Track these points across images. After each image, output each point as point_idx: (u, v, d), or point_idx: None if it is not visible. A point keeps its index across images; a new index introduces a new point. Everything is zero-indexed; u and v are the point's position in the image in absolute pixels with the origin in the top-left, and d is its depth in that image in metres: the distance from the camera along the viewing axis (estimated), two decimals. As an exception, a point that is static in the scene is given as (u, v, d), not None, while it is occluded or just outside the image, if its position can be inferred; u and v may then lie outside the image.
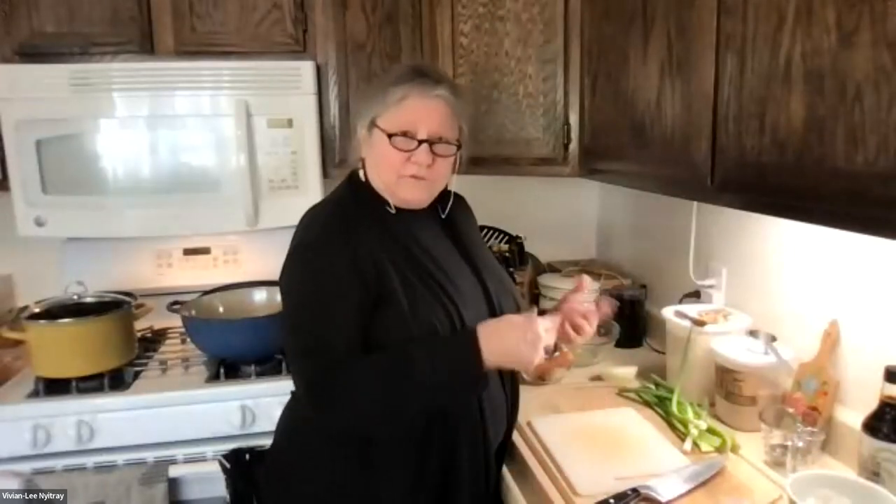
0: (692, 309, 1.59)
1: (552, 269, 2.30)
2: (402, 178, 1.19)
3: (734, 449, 1.27)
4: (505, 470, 1.32)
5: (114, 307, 1.75)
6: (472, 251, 1.33)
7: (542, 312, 1.24)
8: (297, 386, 1.17)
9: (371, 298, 1.12)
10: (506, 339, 1.09)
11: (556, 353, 1.53)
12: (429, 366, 1.07)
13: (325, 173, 1.99)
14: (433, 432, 1.17)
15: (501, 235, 2.31)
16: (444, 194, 1.30)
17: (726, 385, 1.39)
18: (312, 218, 1.22)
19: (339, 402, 1.10)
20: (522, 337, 1.08)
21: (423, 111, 1.17)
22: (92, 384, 1.67)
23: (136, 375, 1.75)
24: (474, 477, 1.22)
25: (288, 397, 1.34)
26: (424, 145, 1.17)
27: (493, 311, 1.25)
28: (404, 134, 1.16)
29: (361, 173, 1.26)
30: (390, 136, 1.17)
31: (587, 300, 1.31)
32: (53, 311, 1.72)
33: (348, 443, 1.17)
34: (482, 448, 1.22)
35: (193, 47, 1.88)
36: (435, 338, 1.12)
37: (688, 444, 1.29)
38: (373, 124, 1.20)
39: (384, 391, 1.09)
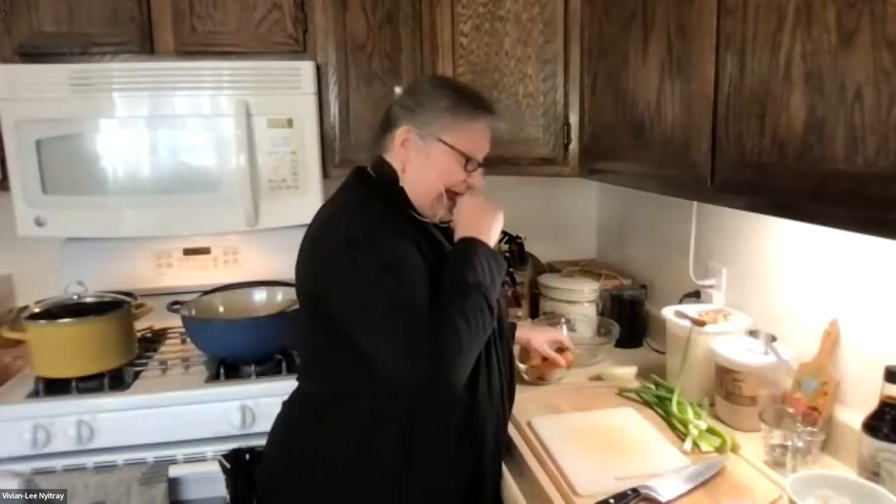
0: (692, 309, 1.59)
1: (552, 269, 2.30)
2: (443, 194, 1.22)
3: (734, 449, 1.27)
4: (505, 470, 1.32)
5: (114, 307, 1.75)
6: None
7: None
8: (414, 355, 1.03)
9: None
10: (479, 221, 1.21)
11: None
12: (480, 268, 1.12)
13: (326, 173, 1.99)
14: (468, 423, 1.19)
15: (501, 235, 2.30)
16: None
17: (726, 385, 1.39)
18: (351, 213, 1.19)
19: (447, 350, 1.03)
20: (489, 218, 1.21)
21: (486, 140, 1.25)
22: (92, 384, 1.67)
23: (136, 375, 1.75)
24: (497, 465, 1.27)
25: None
26: (481, 169, 1.24)
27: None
28: (469, 158, 1.22)
29: (372, 172, 1.26)
30: (467, 158, 1.21)
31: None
32: (53, 311, 1.71)
33: (383, 443, 1.16)
34: (502, 440, 1.28)
35: (193, 47, 1.88)
36: (456, 257, 1.16)
37: (688, 444, 1.29)
38: (434, 136, 1.20)
39: (466, 311, 1.07)
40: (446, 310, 1.06)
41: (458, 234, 1.20)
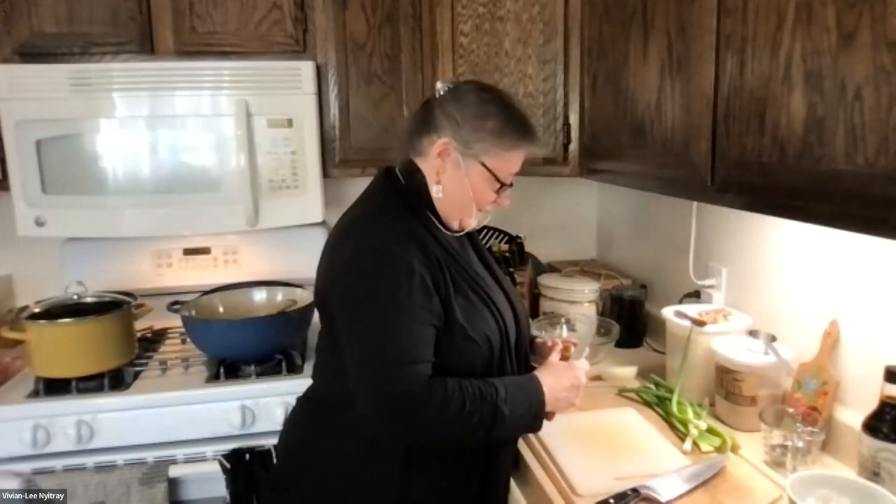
0: (692, 309, 1.59)
1: (552, 269, 2.30)
2: (479, 211, 1.22)
3: (734, 449, 1.27)
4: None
5: (114, 307, 1.75)
6: (488, 258, 1.35)
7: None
8: (371, 393, 1.08)
9: (441, 305, 1.12)
10: (559, 392, 1.19)
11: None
12: (510, 405, 1.11)
13: (325, 173, 1.99)
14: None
15: (501, 235, 2.31)
16: None
17: (726, 385, 1.39)
18: (372, 224, 1.18)
19: (426, 415, 1.07)
20: (568, 386, 1.20)
21: (519, 164, 1.23)
22: (92, 384, 1.67)
23: (136, 375, 1.75)
24: (506, 479, 1.28)
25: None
26: (509, 189, 1.23)
27: (516, 316, 1.26)
28: (504, 182, 1.21)
29: (399, 175, 1.24)
30: (501, 183, 1.20)
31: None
32: (53, 311, 1.71)
33: (389, 449, 1.15)
34: (511, 452, 1.28)
35: (193, 47, 1.88)
36: (511, 379, 1.17)
37: (688, 444, 1.29)
38: (475, 157, 1.17)
39: (469, 414, 1.08)
40: (464, 396, 1.08)
41: (544, 384, 1.18)
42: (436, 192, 1.20)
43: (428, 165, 1.20)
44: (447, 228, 1.22)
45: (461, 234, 1.26)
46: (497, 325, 1.19)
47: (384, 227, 1.15)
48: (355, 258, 1.12)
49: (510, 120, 1.18)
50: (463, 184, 1.18)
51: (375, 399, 1.08)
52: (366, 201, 1.24)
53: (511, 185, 1.22)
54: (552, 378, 1.19)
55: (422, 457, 1.15)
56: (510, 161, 1.20)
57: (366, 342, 1.09)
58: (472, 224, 1.24)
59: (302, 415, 1.30)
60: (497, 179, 1.19)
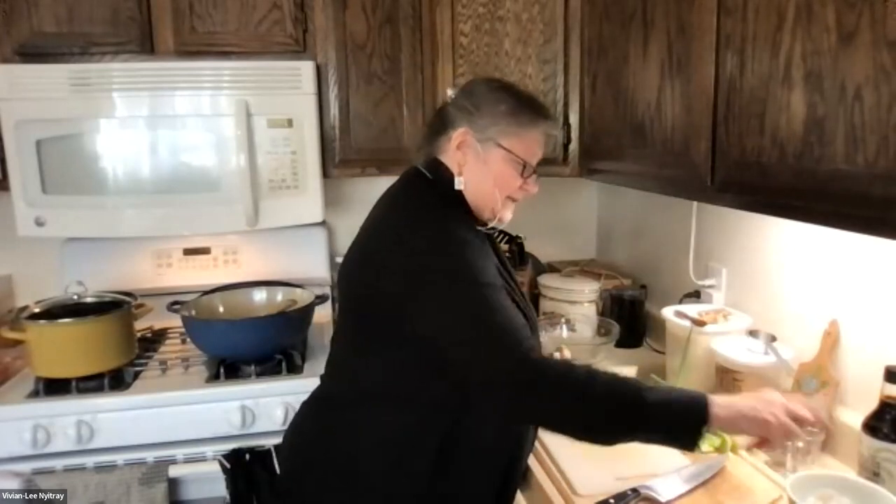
0: (692, 309, 1.59)
1: (552, 269, 2.30)
2: (509, 200, 1.22)
3: (734, 449, 1.27)
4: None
5: (114, 307, 1.75)
6: (506, 261, 1.34)
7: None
8: (489, 370, 1.03)
9: None
10: (750, 402, 1.06)
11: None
12: (656, 395, 1.03)
13: (326, 173, 1.99)
14: (507, 440, 1.18)
15: (501, 235, 2.31)
16: None
17: (726, 385, 1.39)
18: (424, 215, 1.15)
19: (548, 385, 1.01)
20: (768, 400, 1.06)
21: (541, 147, 1.23)
22: (92, 384, 1.67)
23: (136, 375, 1.75)
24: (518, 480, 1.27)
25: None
26: (536, 175, 1.22)
27: (527, 317, 1.25)
28: (526, 164, 1.20)
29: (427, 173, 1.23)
30: (524, 164, 1.19)
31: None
32: (53, 311, 1.71)
33: (394, 450, 1.14)
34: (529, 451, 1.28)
35: (193, 47, 1.88)
36: (671, 391, 1.09)
37: (688, 444, 1.29)
38: (493, 141, 1.18)
39: (597, 385, 1.03)
40: (591, 371, 1.04)
41: (737, 404, 1.05)
42: (458, 183, 1.19)
43: (450, 160, 1.21)
44: (480, 222, 1.22)
45: (499, 227, 1.26)
46: (528, 324, 1.17)
47: (434, 217, 1.14)
48: (425, 252, 1.09)
49: (522, 100, 1.20)
50: (484, 171, 1.18)
51: (495, 375, 1.02)
52: (399, 196, 1.23)
53: (535, 170, 1.22)
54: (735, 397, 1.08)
55: (431, 458, 1.14)
56: (528, 141, 1.20)
57: (466, 322, 1.04)
58: (507, 215, 1.24)
59: (308, 415, 1.29)
60: (519, 160, 1.19)
